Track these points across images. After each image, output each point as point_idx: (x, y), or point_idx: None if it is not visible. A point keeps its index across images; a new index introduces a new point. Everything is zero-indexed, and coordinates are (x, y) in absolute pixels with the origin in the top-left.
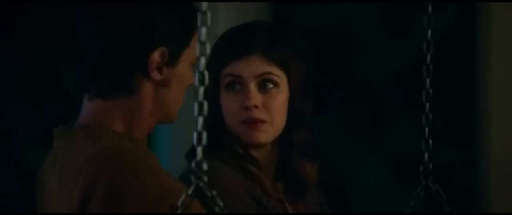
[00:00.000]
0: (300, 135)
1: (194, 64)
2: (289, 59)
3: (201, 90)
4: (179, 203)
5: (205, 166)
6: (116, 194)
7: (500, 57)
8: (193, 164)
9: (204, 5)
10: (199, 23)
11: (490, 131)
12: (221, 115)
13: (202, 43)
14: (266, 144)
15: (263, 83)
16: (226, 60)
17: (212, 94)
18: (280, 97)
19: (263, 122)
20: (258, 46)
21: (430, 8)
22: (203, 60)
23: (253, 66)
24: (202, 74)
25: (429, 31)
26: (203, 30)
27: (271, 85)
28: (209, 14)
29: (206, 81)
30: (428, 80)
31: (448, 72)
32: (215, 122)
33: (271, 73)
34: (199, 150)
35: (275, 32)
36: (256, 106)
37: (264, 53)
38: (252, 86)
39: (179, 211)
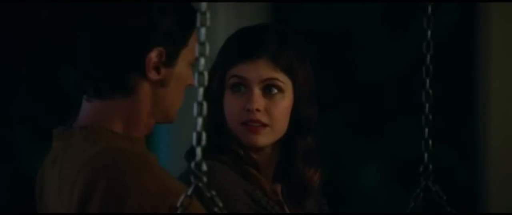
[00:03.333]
0: (304, 141)
1: (193, 64)
2: (296, 65)
3: (201, 90)
4: (178, 204)
5: (204, 167)
6: (116, 194)
7: (499, 57)
8: (192, 164)
9: (204, 5)
10: (198, 24)
11: (489, 131)
12: (223, 115)
13: (202, 44)
14: (265, 147)
15: (268, 88)
16: (233, 61)
17: (216, 94)
18: (284, 103)
19: (264, 125)
20: (266, 51)
21: (429, 9)
22: (202, 61)
23: (259, 70)
24: (201, 75)
25: (429, 32)
26: (203, 30)
27: (276, 91)
28: (208, 15)
29: (206, 82)
30: (427, 81)
31: (448, 72)
32: (216, 122)
33: (276, 79)
34: (198, 151)
35: (284, 36)
36: (258, 110)
37: (272, 58)
38: (256, 90)
39: (178, 212)
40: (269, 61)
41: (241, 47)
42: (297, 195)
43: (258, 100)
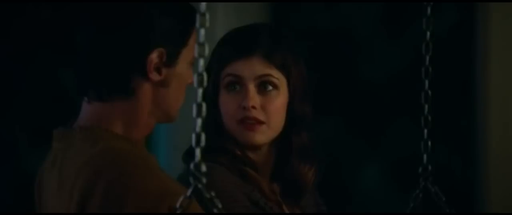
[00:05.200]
0: (299, 138)
1: (193, 64)
2: (289, 62)
3: (200, 91)
4: (177, 205)
5: (203, 167)
6: (115, 194)
7: (499, 58)
8: (191, 165)
9: (203, 6)
10: (197, 25)
11: (489, 132)
12: (220, 115)
13: (201, 45)
14: (262, 145)
15: (263, 85)
16: (227, 60)
17: (211, 94)
18: (279, 100)
19: (260, 123)
20: (260, 48)
21: (429, 10)
22: (201, 62)
23: (253, 68)
24: (201, 76)
25: (428, 33)
26: (202, 31)
27: (271, 88)
28: (207, 16)
29: (205, 82)
30: (427, 82)
31: (447, 73)
32: (213, 122)
33: (271, 75)
34: (197, 151)
35: (277, 34)
36: (254, 107)
37: (265, 55)
38: (252, 87)
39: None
40: (262, 58)
41: (234, 46)
42: (293, 192)
43: (254, 97)
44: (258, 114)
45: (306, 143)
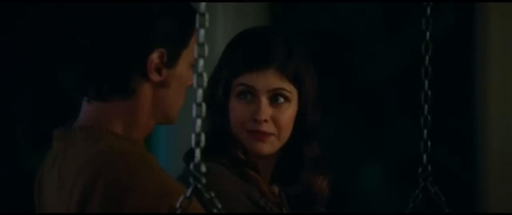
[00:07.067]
0: (311, 148)
1: (193, 65)
2: (303, 73)
3: (200, 92)
4: (177, 205)
5: (203, 168)
6: (116, 194)
7: (498, 58)
8: (191, 166)
9: (203, 6)
10: (197, 25)
11: (488, 132)
12: (227, 121)
13: (201, 45)
14: (270, 155)
15: (275, 97)
16: (240, 70)
17: (221, 100)
18: (289, 112)
19: (270, 134)
20: (274, 61)
21: (428, 10)
22: (201, 62)
23: (267, 80)
24: (200, 76)
25: (428, 33)
26: (202, 32)
27: (282, 100)
28: (207, 16)
29: (205, 83)
30: (426, 82)
31: (447, 73)
32: (219, 127)
33: (284, 89)
34: (197, 152)
35: (290, 44)
36: (266, 120)
37: (279, 68)
38: (264, 99)
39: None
40: (277, 71)
41: (248, 56)
42: (307, 203)
43: (266, 110)
44: (268, 127)
45: (318, 153)
